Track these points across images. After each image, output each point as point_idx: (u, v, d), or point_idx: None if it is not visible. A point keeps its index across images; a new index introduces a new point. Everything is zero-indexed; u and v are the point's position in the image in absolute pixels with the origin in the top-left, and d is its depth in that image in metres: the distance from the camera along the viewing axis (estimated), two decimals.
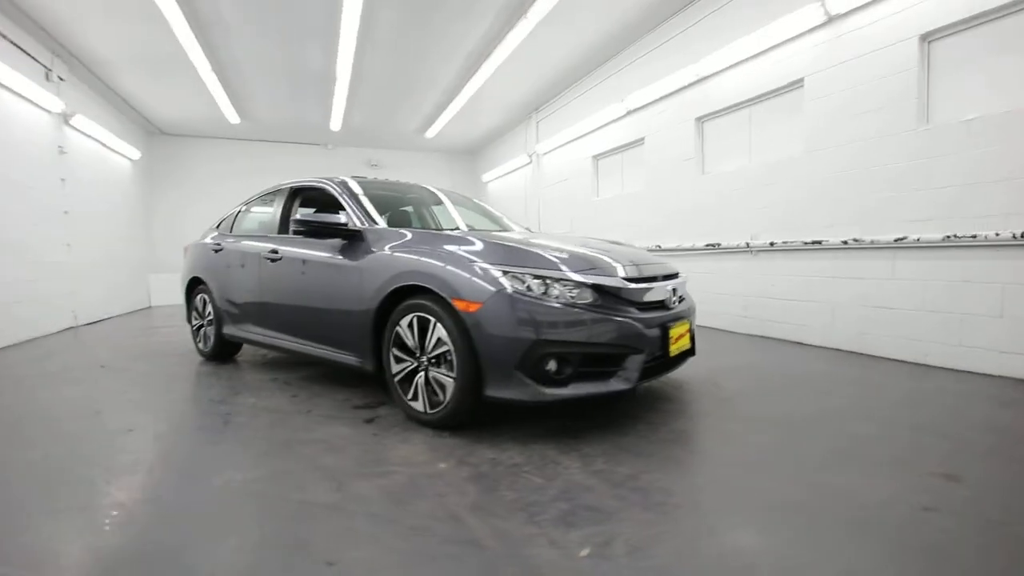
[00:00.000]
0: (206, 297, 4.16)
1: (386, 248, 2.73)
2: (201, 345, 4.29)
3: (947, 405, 2.74)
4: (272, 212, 3.77)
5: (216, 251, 4.10)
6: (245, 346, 4.48)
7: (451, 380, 2.34)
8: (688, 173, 5.60)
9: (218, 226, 4.44)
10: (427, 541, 1.51)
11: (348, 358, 2.92)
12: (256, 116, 8.95)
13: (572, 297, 2.26)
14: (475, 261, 2.36)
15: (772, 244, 4.61)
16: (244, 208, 4.26)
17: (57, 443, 2.35)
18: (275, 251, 3.43)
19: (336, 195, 3.27)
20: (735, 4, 4.81)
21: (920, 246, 3.53)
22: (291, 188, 3.75)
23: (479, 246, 2.47)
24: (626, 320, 2.32)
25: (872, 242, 3.80)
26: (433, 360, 2.43)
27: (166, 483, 1.94)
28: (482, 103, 8.30)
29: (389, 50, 6.28)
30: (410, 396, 2.54)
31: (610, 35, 6.09)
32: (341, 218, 2.94)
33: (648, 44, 5.99)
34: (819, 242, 4.19)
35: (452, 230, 3.27)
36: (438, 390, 2.41)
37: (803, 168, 4.34)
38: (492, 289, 2.24)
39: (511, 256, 2.36)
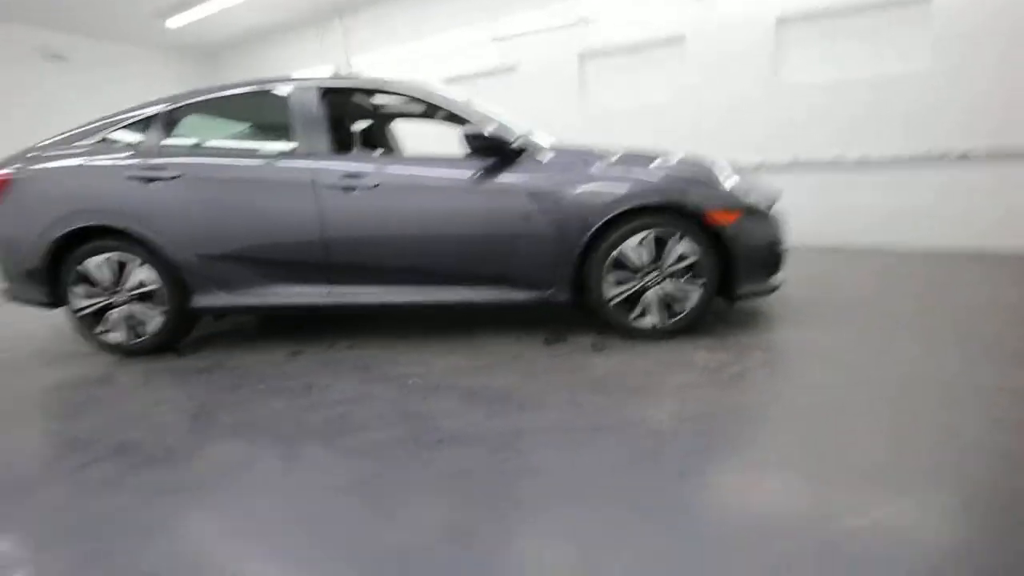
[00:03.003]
0: (125, 259, 2.60)
1: (573, 168, 2.52)
2: (120, 335, 2.67)
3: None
4: (296, 120, 2.60)
5: (160, 180, 2.55)
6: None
7: (697, 289, 2.54)
8: (569, 105, 6.20)
9: (105, 139, 2.68)
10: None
11: (522, 295, 2.60)
12: None
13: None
14: (705, 177, 2.54)
15: None
16: (187, 108, 2.72)
17: None
18: (355, 175, 2.51)
19: (442, 104, 2.63)
20: None
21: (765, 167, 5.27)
22: (320, 88, 2.66)
23: (686, 159, 2.62)
24: None
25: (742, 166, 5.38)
26: (664, 274, 2.54)
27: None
28: None
29: None
30: (635, 315, 2.58)
31: None
32: (505, 133, 2.48)
33: None
34: None
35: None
36: (679, 301, 2.56)
37: (687, 108, 5.58)
38: (744, 200, 2.51)
39: (724, 167, 2.64)
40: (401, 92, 2.75)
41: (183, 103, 2.71)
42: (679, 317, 2.58)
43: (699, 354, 2.39)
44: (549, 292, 2.59)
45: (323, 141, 2.60)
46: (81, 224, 2.56)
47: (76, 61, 7.85)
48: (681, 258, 2.50)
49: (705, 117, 5.49)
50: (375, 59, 7.47)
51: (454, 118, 2.68)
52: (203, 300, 2.66)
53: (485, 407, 1.93)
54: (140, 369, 2.56)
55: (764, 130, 5.25)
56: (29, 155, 2.74)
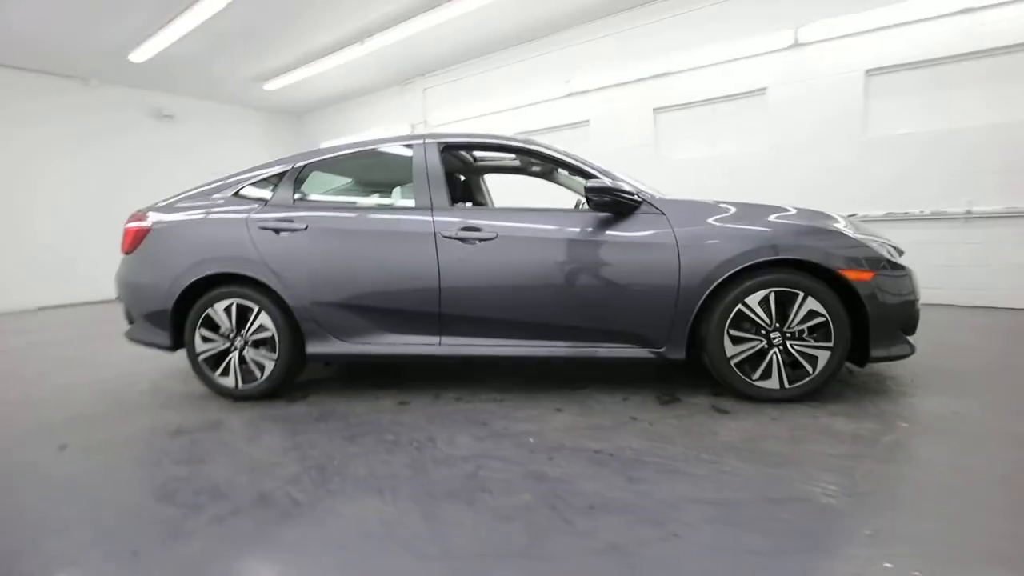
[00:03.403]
0: (247, 305, 2.70)
1: (692, 221, 2.47)
2: (233, 379, 2.76)
3: None
4: (417, 174, 2.72)
5: (289, 231, 2.69)
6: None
7: (825, 351, 2.38)
8: (643, 158, 6.25)
9: (236, 193, 2.87)
10: None
11: (635, 350, 2.52)
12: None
13: None
14: (834, 230, 2.42)
15: None
16: (314, 165, 2.90)
17: None
18: (473, 228, 2.56)
19: (560, 157, 2.68)
20: (709, 12, 5.60)
21: (865, 221, 5.04)
22: (441, 143, 2.78)
23: (807, 212, 2.51)
24: None
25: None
26: (790, 334, 2.40)
27: None
28: (355, 60, 7.10)
29: None
30: (756, 376, 2.44)
31: (561, 11, 6.16)
32: (626, 187, 2.48)
33: (604, 28, 6.32)
34: None
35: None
36: (805, 363, 2.40)
37: (768, 158, 5.50)
38: (879, 258, 2.38)
39: (855, 226, 2.51)
40: (519, 147, 2.83)
41: (311, 160, 2.89)
42: (806, 380, 2.41)
43: (837, 421, 2.20)
44: (664, 348, 2.50)
45: (442, 194, 2.68)
46: (214, 270, 2.70)
47: (179, 118, 8.67)
48: (809, 316, 2.37)
49: (789, 169, 5.37)
50: (451, 115, 7.86)
51: (572, 171, 2.71)
52: (317, 347, 2.71)
53: (623, 472, 1.82)
54: (255, 415, 2.60)
55: (855, 180, 5.07)
56: (164, 207, 2.96)
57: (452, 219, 2.60)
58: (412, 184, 2.73)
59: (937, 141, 4.67)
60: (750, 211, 2.52)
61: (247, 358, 2.75)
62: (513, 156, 3.35)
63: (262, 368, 2.75)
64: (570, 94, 6.69)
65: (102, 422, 2.60)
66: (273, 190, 2.86)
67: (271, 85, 7.91)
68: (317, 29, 6.40)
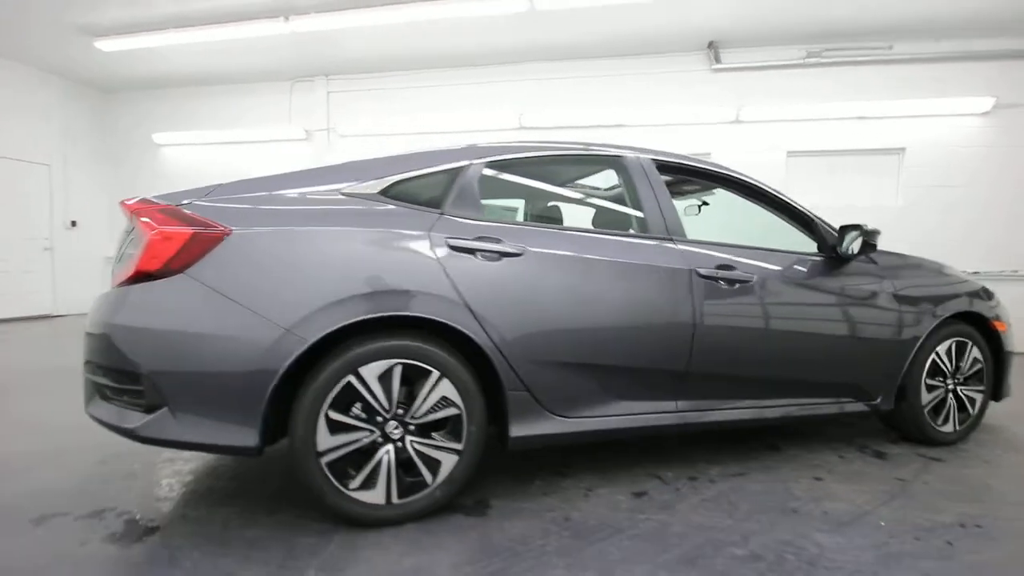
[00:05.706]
0: (428, 367, 1.71)
1: (896, 271, 2.56)
2: (378, 495, 1.67)
3: None
4: (645, 196, 2.16)
5: (493, 254, 1.80)
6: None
7: (980, 393, 2.65)
8: None
9: (385, 189, 1.83)
10: None
11: (858, 404, 2.44)
12: None
13: None
14: (981, 284, 2.77)
15: None
16: (500, 163, 2.07)
17: None
18: (728, 266, 2.13)
19: (786, 201, 2.55)
20: (663, 77, 6.08)
21: None
22: (656, 161, 2.27)
23: (943, 266, 2.82)
24: None
25: None
26: (959, 381, 2.62)
27: None
28: (251, 39, 5.64)
29: None
30: (940, 422, 2.57)
31: (511, 45, 5.94)
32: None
33: (558, 71, 6.30)
34: None
35: None
36: (968, 406, 2.63)
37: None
38: (1004, 311, 2.77)
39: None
40: (747, 183, 2.65)
41: (496, 158, 2.04)
42: (969, 422, 2.64)
43: (1018, 457, 2.45)
44: (879, 400, 2.46)
45: (678, 221, 2.19)
46: (381, 312, 1.64)
47: None
48: (973, 363, 2.62)
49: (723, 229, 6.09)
50: (365, 128, 6.77)
51: (794, 216, 2.64)
52: (525, 428, 1.85)
53: None
54: (459, 553, 1.61)
55: (777, 242, 6.02)
56: (239, 199, 1.73)
57: (704, 254, 2.14)
58: (641, 204, 2.17)
59: (838, 214, 5.86)
60: (932, 266, 2.73)
61: (414, 452, 1.72)
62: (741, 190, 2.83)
63: (435, 468, 1.75)
64: (520, 127, 6.46)
65: None
66: (443, 193, 1.92)
67: (108, 44, 5.62)
68: None
